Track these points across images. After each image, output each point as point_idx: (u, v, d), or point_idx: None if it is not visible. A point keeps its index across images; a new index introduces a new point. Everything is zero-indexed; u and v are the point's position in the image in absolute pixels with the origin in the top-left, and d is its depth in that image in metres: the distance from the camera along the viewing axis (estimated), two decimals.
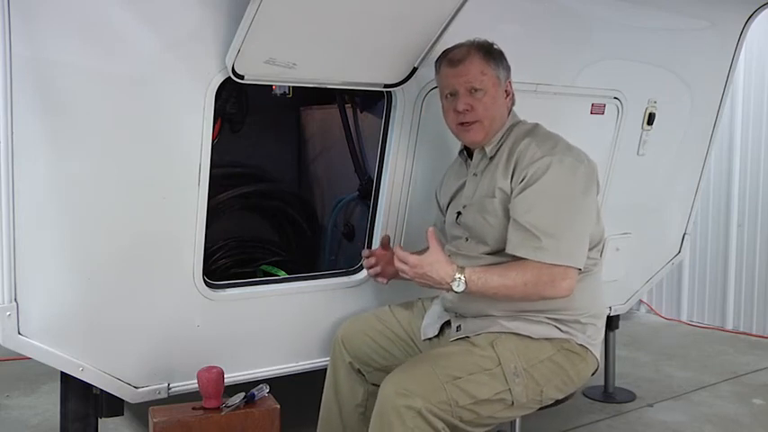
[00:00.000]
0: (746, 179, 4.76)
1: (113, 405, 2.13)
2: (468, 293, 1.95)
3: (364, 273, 2.46)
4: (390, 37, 2.17)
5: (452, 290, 1.94)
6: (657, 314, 5.21)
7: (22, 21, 1.76)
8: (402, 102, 2.39)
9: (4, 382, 3.66)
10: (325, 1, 1.98)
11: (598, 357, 2.17)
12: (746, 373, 3.92)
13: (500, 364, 1.95)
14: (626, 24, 2.87)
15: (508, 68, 2.19)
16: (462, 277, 1.92)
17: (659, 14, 2.93)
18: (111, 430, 2.97)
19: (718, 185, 4.87)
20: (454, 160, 2.38)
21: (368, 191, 2.73)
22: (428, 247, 2.35)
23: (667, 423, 3.22)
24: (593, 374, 2.18)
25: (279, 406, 2.04)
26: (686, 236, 3.46)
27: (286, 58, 2.07)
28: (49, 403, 3.35)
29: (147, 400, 2.14)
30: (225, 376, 2.02)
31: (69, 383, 2.09)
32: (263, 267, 3.11)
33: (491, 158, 2.16)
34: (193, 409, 1.98)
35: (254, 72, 2.07)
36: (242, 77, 2.05)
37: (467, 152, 2.27)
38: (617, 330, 3.44)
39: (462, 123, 2.14)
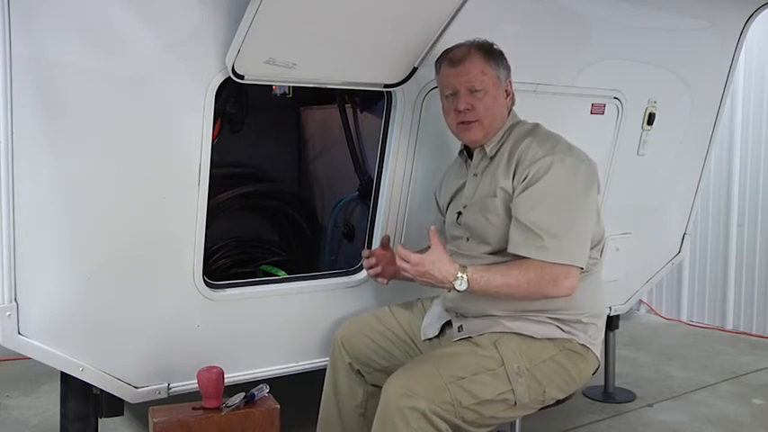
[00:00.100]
0: (746, 179, 4.76)
1: (113, 405, 2.13)
2: (470, 292, 1.95)
3: (364, 273, 2.46)
4: (390, 37, 2.17)
5: (455, 289, 1.94)
6: (657, 314, 5.21)
7: (22, 21, 1.76)
8: (402, 102, 2.39)
9: (4, 382, 3.66)
10: (325, 1, 1.98)
11: (599, 357, 2.17)
12: (746, 373, 3.92)
13: (503, 364, 1.95)
14: (626, 24, 2.87)
15: (508, 68, 2.19)
16: (465, 276, 1.92)
17: (659, 14, 2.93)
18: (111, 430, 2.97)
19: (718, 185, 4.87)
20: (454, 161, 2.38)
21: (368, 191, 2.73)
22: (428, 247, 2.36)
23: (667, 423, 3.22)
24: (593, 374, 2.18)
25: (279, 406, 2.04)
26: (686, 236, 3.46)
27: (286, 58, 2.07)
28: (49, 403, 3.35)
29: (147, 400, 2.14)
30: (225, 376, 2.02)
31: (69, 383, 2.09)
32: (263, 267, 3.11)
33: (491, 158, 2.16)
34: (193, 409, 1.98)
35: (254, 72, 2.07)
36: (242, 77, 2.05)
37: (467, 152, 2.27)
38: (617, 330, 3.44)
39: (463, 123, 2.14)
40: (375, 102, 2.89)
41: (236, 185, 3.07)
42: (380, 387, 2.21)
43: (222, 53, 2.01)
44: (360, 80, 2.31)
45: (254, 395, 2.04)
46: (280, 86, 3.32)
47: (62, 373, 2.05)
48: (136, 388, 2.12)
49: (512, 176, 2.06)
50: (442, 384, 1.86)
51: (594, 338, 2.14)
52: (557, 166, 2.00)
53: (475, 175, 2.19)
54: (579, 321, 2.09)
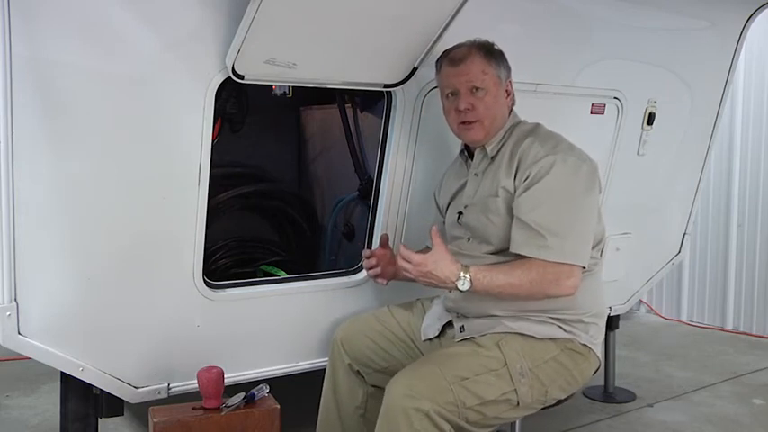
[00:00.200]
0: (746, 179, 4.76)
1: (113, 405, 2.13)
2: (472, 292, 1.94)
3: (364, 273, 2.46)
4: (390, 37, 2.17)
5: (457, 289, 1.94)
6: (657, 314, 5.21)
7: (22, 21, 1.76)
8: (402, 102, 2.39)
9: (4, 382, 3.66)
10: (326, 1, 1.98)
11: (599, 357, 2.17)
12: (746, 373, 3.93)
13: (506, 364, 1.95)
14: (626, 24, 2.87)
15: (509, 68, 2.19)
16: (467, 276, 1.92)
17: (659, 14, 2.93)
18: (111, 430, 2.97)
19: (718, 185, 4.87)
20: (453, 161, 2.38)
21: (368, 191, 2.73)
22: (427, 247, 2.36)
23: (667, 423, 3.22)
24: (594, 374, 2.18)
25: (279, 406, 2.04)
26: (686, 236, 3.46)
27: (286, 58, 2.07)
28: (49, 403, 3.35)
29: (147, 400, 2.14)
30: (225, 376, 2.02)
31: (69, 383, 2.09)
32: (263, 267, 3.11)
33: (492, 158, 2.16)
34: (193, 409, 1.98)
35: (254, 72, 2.07)
36: (242, 77, 2.05)
37: (467, 152, 2.27)
38: (617, 330, 3.44)
39: (463, 122, 2.14)
40: (375, 102, 2.89)
41: (236, 185, 3.07)
42: (380, 388, 2.22)
43: (222, 53, 2.01)
44: (360, 80, 2.31)
45: (254, 395, 2.04)
46: (280, 86, 3.32)
47: (62, 373, 2.05)
48: (136, 388, 2.12)
49: (513, 176, 2.06)
50: (446, 385, 1.85)
51: (596, 338, 2.14)
52: (558, 165, 2.00)
53: (476, 174, 2.19)
54: (580, 321, 2.09)
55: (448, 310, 2.20)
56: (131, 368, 2.10)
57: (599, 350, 2.16)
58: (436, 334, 2.21)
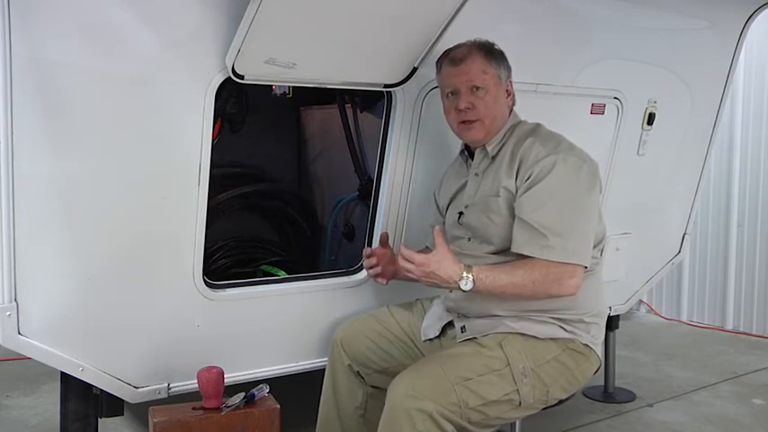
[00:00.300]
0: (746, 179, 4.76)
1: (113, 405, 2.13)
2: (475, 292, 1.94)
3: (364, 273, 2.46)
4: (390, 37, 2.17)
5: (460, 289, 1.93)
6: (657, 314, 5.21)
7: (22, 21, 1.76)
8: (402, 102, 2.39)
9: (4, 382, 3.66)
10: (326, 1, 1.98)
11: (600, 356, 2.17)
12: (746, 373, 3.93)
13: (509, 364, 1.95)
14: (626, 24, 2.87)
15: (509, 68, 2.19)
16: (470, 276, 1.92)
17: (659, 14, 2.93)
18: (111, 430, 2.97)
19: (718, 185, 4.87)
20: (453, 161, 2.38)
21: (368, 191, 2.73)
22: (427, 247, 2.36)
23: (667, 423, 3.22)
24: (594, 373, 2.18)
25: (279, 406, 2.04)
26: (686, 236, 3.46)
27: (286, 58, 2.07)
28: (49, 403, 3.35)
29: (147, 400, 2.14)
30: (225, 376, 2.02)
31: (69, 383, 2.09)
32: (263, 267, 3.11)
33: (493, 158, 2.16)
34: (193, 409, 1.98)
35: (254, 72, 2.07)
36: (242, 77, 2.05)
37: (468, 152, 2.27)
38: (617, 330, 3.44)
39: (464, 122, 2.14)
40: (375, 102, 2.89)
41: (236, 185, 3.07)
42: (380, 388, 2.22)
43: (222, 53, 2.01)
44: (360, 80, 2.31)
45: (254, 395, 2.04)
46: (280, 86, 3.32)
47: (62, 373, 2.05)
48: (136, 388, 2.11)
49: (515, 176, 2.06)
50: (449, 386, 1.85)
51: (596, 338, 2.15)
52: (560, 165, 2.00)
53: (476, 174, 2.19)
54: (581, 321, 2.09)
55: (449, 311, 2.20)
56: (131, 368, 2.10)
57: (599, 350, 2.17)
58: (437, 334, 2.21)
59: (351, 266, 2.54)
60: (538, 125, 2.19)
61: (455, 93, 2.15)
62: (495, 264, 2.02)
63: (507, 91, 2.19)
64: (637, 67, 2.95)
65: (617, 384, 3.55)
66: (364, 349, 2.24)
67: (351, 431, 2.26)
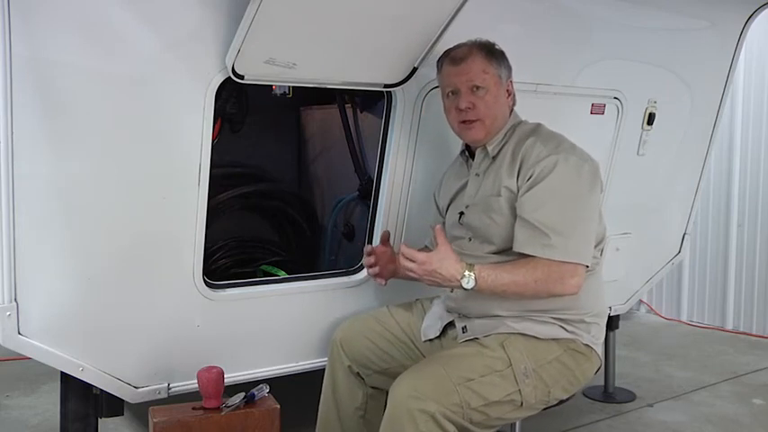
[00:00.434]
0: (746, 179, 4.75)
1: (113, 405, 2.13)
2: (477, 291, 1.94)
3: (364, 273, 2.46)
4: (390, 37, 2.17)
5: (462, 287, 1.93)
6: (657, 314, 5.21)
7: (22, 21, 1.76)
8: (402, 102, 2.39)
9: (4, 382, 3.66)
10: (326, 1, 1.98)
11: (600, 356, 2.17)
12: (746, 373, 3.92)
13: (511, 365, 1.95)
14: (626, 24, 2.87)
15: (509, 68, 2.19)
16: (472, 274, 1.92)
17: (659, 14, 2.93)
18: (111, 430, 2.97)
19: (718, 185, 4.87)
20: (453, 161, 2.38)
21: (368, 191, 2.73)
22: (426, 246, 2.36)
23: (667, 423, 3.22)
24: (595, 374, 2.18)
25: (279, 406, 2.04)
26: (686, 236, 3.46)
27: (286, 58, 2.07)
28: (49, 403, 3.35)
29: (147, 400, 2.14)
30: (225, 376, 2.02)
31: (69, 383, 2.09)
32: (263, 267, 3.11)
33: (494, 158, 2.16)
34: (193, 409, 1.98)
35: (254, 72, 2.07)
36: (242, 77, 2.05)
37: (468, 152, 2.27)
38: (617, 330, 3.44)
39: (464, 121, 2.14)
40: (375, 102, 2.89)
41: (236, 185, 3.07)
42: (380, 389, 2.23)
43: (222, 53, 2.01)
44: (360, 80, 2.31)
45: (254, 395, 2.04)
46: (280, 86, 3.32)
47: (62, 373, 2.05)
48: (136, 388, 2.11)
49: (516, 176, 2.06)
50: (451, 386, 1.85)
51: (597, 338, 2.15)
52: (561, 164, 2.00)
53: (477, 174, 2.19)
54: (582, 321, 2.09)
55: (449, 311, 2.20)
56: (131, 368, 2.10)
57: (600, 350, 2.17)
58: (437, 334, 2.21)
59: (351, 266, 2.54)
60: (539, 125, 2.19)
61: (455, 92, 2.15)
62: (497, 263, 2.02)
63: (508, 91, 2.19)
64: (637, 67, 2.95)
65: (617, 384, 3.55)
66: (364, 350, 2.24)
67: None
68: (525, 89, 2.49)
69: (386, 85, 2.33)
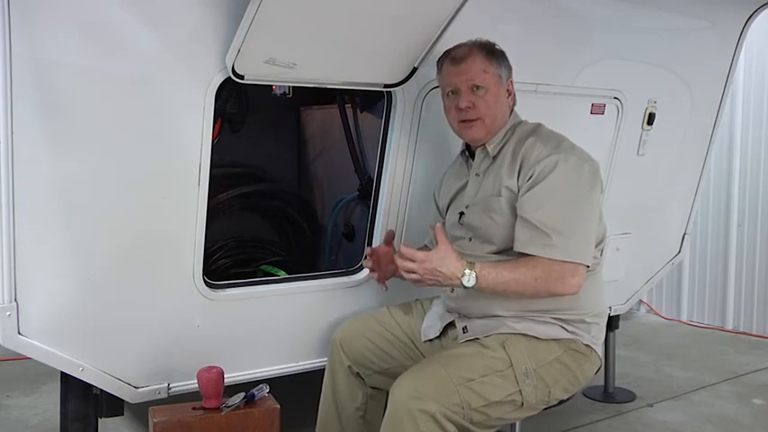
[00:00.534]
0: (746, 179, 4.76)
1: (113, 405, 2.13)
2: (477, 289, 1.94)
3: (364, 273, 2.46)
4: (390, 37, 2.17)
5: (463, 285, 1.93)
6: (657, 314, 5.21)
7: (22, 21, 1.76)
8: (402, 102, 2.39)
9: (4, 382, 3.66)
10: (326, 1, 1.98)
11: (600, 356, 2.17)
12: (746, 373, 3.92)
13: (511, 365, 1.95)
14: (626, 24, 2.87)
15: (510, 68, 2.19)
16: (473, 272, 1.91)
17: (659, 14, 2.93)
18: (111, 430, 2.97)
19: (718, 185, 4.87)
20: (453, 161, 2.38)
21: (368, 191, 2.73)
22: (426, 245, 2.36)
23: (667, 423, 3.22)
24: (595, 374, 2.18)
25: (279, 406, 2.04)
26: (686, 236, 3.46)
27: (286, 58, 2.07)
28: (49, 403, 3.35)
29: (147, 400, 2.14)
30: (225, 376, 2.02)
31: (69, 383, 2.09)
32: (263, 267, 3.11)
33: (494, 158, 2.16)
34: (193, 409, 1.98)
35: (254, 72, 2.07)
36: (242, 77, 2.05)
37: (468, 152, 2.27)
38: (617, 330, 3.44)
39: (464, 121, 2.14)
40: (375, 102, 2.89)
41: (236, 185, 3.07)
42: (380, 389, 2.23)
43: (222, 53, 2.01)
44: (360, 80, 2.31)
45: (254, 395, 2.04)
46: (280, 86, 3.32)
47: (62, 373, 2.05)
48: (136, 388, 2.11)
49: (516, 175, 2.06)
50: (452, 386, 1.85)
51: (597, 338, 2.15)
52: (561, 164, 2.00)
53: (477, 174, 2.19)
54: (583, 321, 2.09)
55: (449, 311, 2.20)
56: (131, 368, 2.10)
57: (600, 350, 2.17)
58: (437, 334, 2.21)
59: (351, 266, 2.54)
60: (539, 125, 2.19)
61: (455, 92, 2.15)
62: (498, 261, 2.02)
63: (508, 91, 2.19)
64: (637, 67, 2.95)
65: (617, 384, 3.55)
66: (364, 350, 2.24)
67: None
68: (525, 89, 2.49)
69: (386, 85, 2.33)
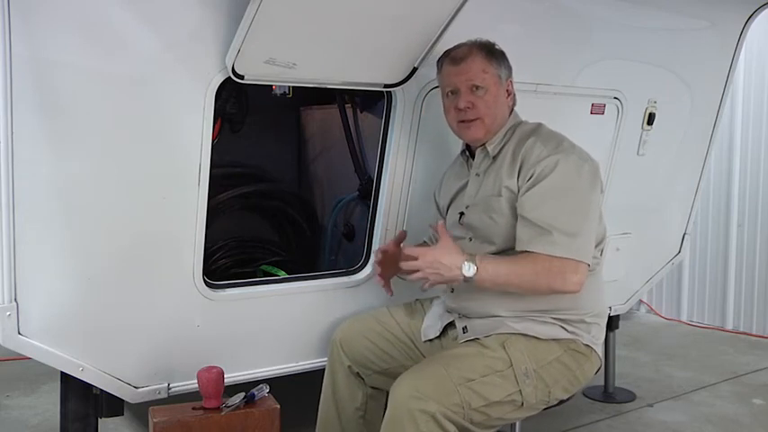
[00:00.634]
0: (746, 179, 4.76)
1: (113, 405, 2.13)
2: (477, 282, 1.94)
3: (364, 273, 2.47)
4: (390, 37, 2.17)
5: (463, 276, 1.93)
6: (657, 314, 5.21)
7: (22, 21, 1.76)
8: (402, 102, 2.39)
9: (4, 382, 3.66)
10: (326, 1, 1.98)
11: (600, 356, 2.17)
12: (746, 373, 3.93)
13: (511, 365, 1.95)
14: (626, 24, 2.87)
15: (509, 68, 2.19)
16: (473, 263, 1.92)
17: (659, 14, 2.93)
18: (111, 430, 2.97)
19: (718, 185, 4.87)
20: (453, 161, 2.38)
21: (368, 191, 2.73)
22: (425, 241, 2.37)
23: (667, 423, 3.22)
24: (595, 374, 2.18)
25: (279, 406, 2.04)
26: (686, 236, 3.46)
27: (286, 58, 2.07)
28: (49, 403, 3.35)
29: (147, 400, 2.14)
30: (225, 376, 2.02)
31: (69, 383, 2.09)
32: (263, 267, 3.11)
33: (494, 158, 2.16)
34: (193, 409, 1.98)
35: (254, 72, 2.07)
36: (242, 77, 2.05)
37: (468, 152, 2.27)
38: (617, 330, 3.44)
39: (463, 121, 2.14)
40: (375, 102, 2.89)
41: (236, 185, 3.07)
42: (380, 389, 2.23)
43: (222, 53, 2.01)
44: (360, 80, 2.31)
45: (254, 395, 2.04)
46: (280, 86, 3.32)
47: (62, 373, 2.05)
48: (136, 388, 2.11)
49: (516, 175, 2.06)
50: (452, 386, 1.85)
51: (597, 338, 2.15)
52: (562, 164, 2.01)
53: (477, 174, 2.19)
54: (583, 321, 2.09)
55: (449, 311, 2.20)
56: (131, 368, 2.10)
57: (600, 350, 2.17)
58: (437, 334, 2.21)
59: (351, 266, 2.54)
60: (539, 125, 2.19)
61: (455, 92, 2.15)
62: (499, 255, 2.03)
63: (508, 91, 2.19)
64: (637, 67, 2.95)
65: (617, 384, 3.55)
66: (364, 350, 2.24)
67: None
68: (525, 89, 2.49)
69: (386, 85, 2.33)
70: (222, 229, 3.06)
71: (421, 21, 2.16)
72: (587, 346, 2.10)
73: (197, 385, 2.01)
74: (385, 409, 1.91)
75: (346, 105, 3.10)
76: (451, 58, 2.15)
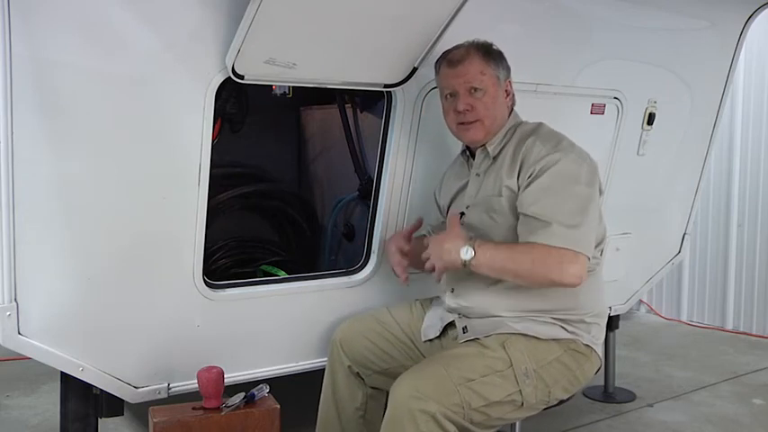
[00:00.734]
0: (746, 179, 4.76)
1: (113, 405, 2.13)
2: (475, 266, 1.95)
3: (364, 273, 2.47)
4: (390, 37, 2.17)
5: (461, 259, 1.95)
6: (657, 314, 5.21)
7: (22, 20, 1.76)
8: (402, 102, 2.39)
9: (4, 382, 3.66)
10: (326, 1, 1.98)
11: (600, 356, 2.17)
12: (746, 373, 3.93)
13: (511, 365, 1.95)
14: (626, 24, 2.87)
15: (508, 69, 2.19)
16: (472, 246, 1.95)
17: (659, 14, 2.93)
18: (111, 430, 2.97)
19: (718, 185, 4.87)
20: (453, 161, 2.38)
21: (368, 191, 2.73)
22: (424, 235, 2.37)
23: (667, 423, 3.22)
24: (595, 374, 2.18)
25: (279, 406, 2.04)
26: (686, 236, 3.46)
27: (286, 58, 2.07)
28: (49, 403, 3.35)
29: (147, 400, 2.14)
30: (225, 376, 2.02)
31: (69, 383, 2.09)
32: (263, 267, 3.11)
33: (494, 158, 2.16)
34: (193, 409, 1.98)
35: (254, 72, 2.07)
36: (242, 77, 2.05)
37: (469, 152, 2.27)
38: (617, 330, 3.44)
39: (462, 123, 2.14)
40: (375, 102, 2.89)
41: (236, 185, 3.07)
42: (380, 389, 2.23)
43: (222, 53, 2.01)
44: (360, 80, 2.31)
45: (254, 395, 2.04)
46: (280, 86, 3.32)
47: (62, 373, 2.05)
48: (136, 388, 2.12)
49: (516, 175, 2.06)
50: (452, 387, 1.85)
51: (597, 338, 2.15)
52: (561, 161, 2.01)
53: (477, 174, 2.19)
54: (582, 321, 2.09)
55: (449, 311, 2.20)
56: (131, 368, 2.10)
57: (600, 350, 2.17)
58: (437, 334, 2.21)
59: (351, 266, 2.54)
60: (540, 124, 2.19)
61: (453, 94, 2.15)
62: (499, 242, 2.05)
63: (506, 91, 2.19)
64: (637, 67, 2.95)
65: (617, 384, 3.55)
66: (364, 350, 2.24)
67: None
68: (525, 89, 2.49)
69: (386, 86, 2.33)
70: (222, 229, 3.06)
71: (421, 21, 2.16)
72: (587, 346, 2.10)
73: (197, 385, 2.01)
74: (385, 409, 1.91)
75: (346, 105, 3.10)
76: (449, 60, 2.15)
